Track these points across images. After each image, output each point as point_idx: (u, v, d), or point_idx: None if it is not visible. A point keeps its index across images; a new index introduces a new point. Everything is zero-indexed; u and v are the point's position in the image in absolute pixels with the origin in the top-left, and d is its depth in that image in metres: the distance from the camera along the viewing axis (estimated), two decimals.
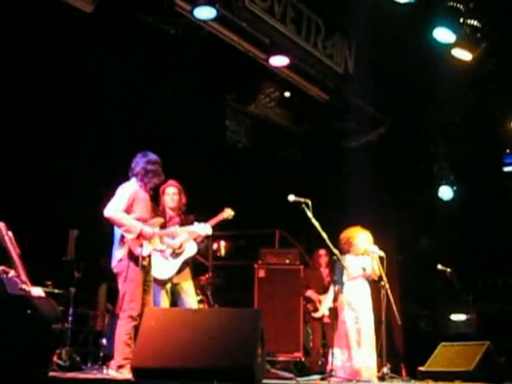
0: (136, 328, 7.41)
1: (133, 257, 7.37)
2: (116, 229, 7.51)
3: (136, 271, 7.37)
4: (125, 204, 7.47)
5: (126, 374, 6.99)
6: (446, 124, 13.33)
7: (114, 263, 7.47)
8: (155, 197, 8.27)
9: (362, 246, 8.71)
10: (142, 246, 7.40)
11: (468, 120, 13.15)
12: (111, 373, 7.22)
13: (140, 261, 7.35)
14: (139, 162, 7.73)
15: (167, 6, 9.85)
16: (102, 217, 7.46)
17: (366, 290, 8.65)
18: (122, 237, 7.43)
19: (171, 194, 8.23)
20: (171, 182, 8.30)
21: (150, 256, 7.60)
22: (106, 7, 9.40)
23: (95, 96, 10.51)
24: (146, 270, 7.55)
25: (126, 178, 7.75)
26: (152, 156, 7.76)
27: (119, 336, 7.30)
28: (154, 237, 7.56)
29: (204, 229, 8.11)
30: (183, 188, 8.33)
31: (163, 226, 8.05)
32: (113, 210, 7.42)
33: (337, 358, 8.41)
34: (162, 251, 7.97)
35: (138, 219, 7.47)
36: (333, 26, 11.57)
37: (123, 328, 7.31)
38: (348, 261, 8.40)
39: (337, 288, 8.27)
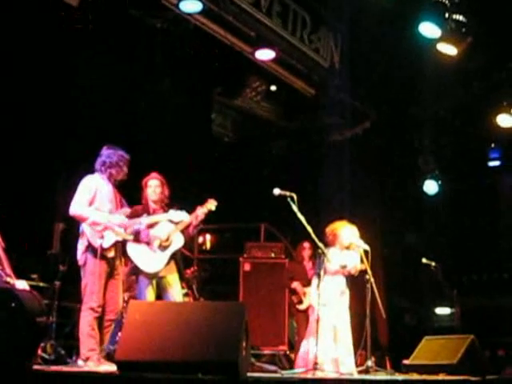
0: (100, 320, 7.47)
1: (92, 249, 7.39)
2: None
3: (95, 263, 7.37)
4: (87, 198, 7.52)
5: (93, 366, 7.05)
6: (432, 118, 13.39)
7: (78, 256, 7.52)
8: (137, 190, 8.26)
9: (347, 239, 8.72)
10: (102, 237, 7.41)
11: (453, 114, 13.20)
12: (80, 364, 7.25)
13: (99, 252, 7.35)
14: (101, 155, 7.78)
15: None
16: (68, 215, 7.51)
17: (342, 285, 8.65)
18: (82, 229, 7.46)
19: (153, 187, 8.20)
20: (153, 174, 8.28)
21: (116, 248, 7.60)
22: (91, 1, 9.38)
23: (80, 90, 10.46)
24: (112, 262, 7.56)
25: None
26: (115, 149, 7.79)
27: (82, 328, 7.34)
28: (122, 225, 7.59)
29: (179, 215, 8.07)
30: (166, 180, 8.31)
31: None
32: (77, 206, 7.49)
33: (302, 347, 8.47)
34: (149, 243, 7.94)
35: (98, 210, 7.51)
36: (319, 20, 11.60)
37: (85, 320, 7.34)
38: (331, 255, 8.40)
39: (317, 281, 8.28)
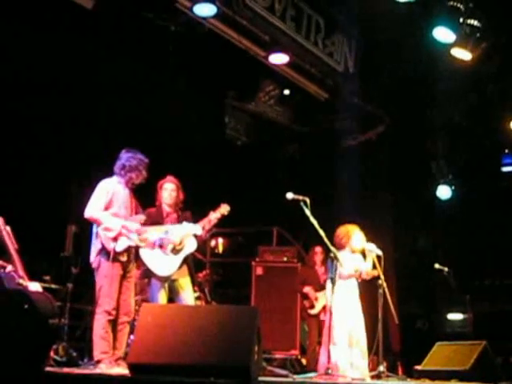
0: (113, 323, 7.49)
1: (105, 252, 7.43)
2: (93, 224, 7.56)
3: (109, 266, 7.42)
4: (103, 202, 7.54)
5: (104, 368, 7.07)
6: (446, 123, 13.34)
7: (91, 259, 7.54)
8: (152, 193, 8.27)
9: (360, 243, 8.70)
10: (116, 240, 7.43)
11: (467, 119, 13.15)
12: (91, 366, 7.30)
13: (112, 255, 7.37)
14: (121, 158, 7.79)
15: (168, 2, 9.86)
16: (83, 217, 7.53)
17: (356, 289, 8.63)
18: (97, 232, 7.50)
19: (169, 190, 8.22)
20: (169, 177, 8.30)
21: (129, 252, 7.62)
22: (106, 3, 9.41)
23: (94, 92, 10.50)
24: (125, 266, 7.58)
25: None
26: (135, 153, 7.81)
27: (96, 331, 7.39)
28: (140, 232, 7.61)
29: (193, 229, 8.10)
30: (181, 184, 8.33)
31: (161, 222, 8.07)
32: (92, 210, 7.52)
33: (322, 355, 8.44)
34: (162, 247, 7.95)
35: (115, 215, 7.52)
36: (333, 25, 11.59)
37: (99, 323, 7.39)
38: (344, 258, 8.39)
39: (331, 286, 8.26)
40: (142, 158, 7.83)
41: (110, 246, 7.41)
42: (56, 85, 10.08)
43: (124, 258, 7.56)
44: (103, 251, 7.45)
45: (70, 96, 10.32)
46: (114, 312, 7.42)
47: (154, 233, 7.90)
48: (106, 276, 7.42)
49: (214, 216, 8.25)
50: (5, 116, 9.58)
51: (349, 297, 8.50)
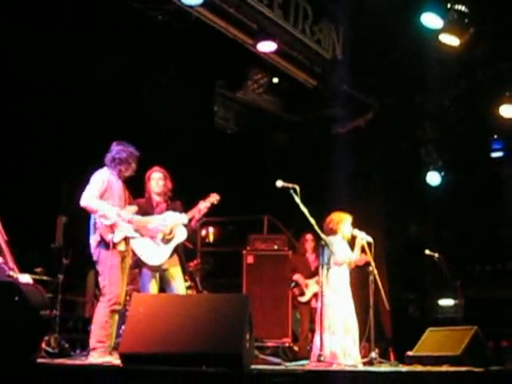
0: (119, 313, 7.52)
1: (105, 243, 7.45)
2: (92, 216, 7.56)
3: (110, 255, 7.45)
4: (99, 191, 7.53)
5: (96, 357, 7.08)
6: (435, 109, 13.35)
7: (91, 250, 7.54)
8: (141, 184, 8.27)
9: (350, 230, 8.73)
10: (113, 232, 7.44)
11: (456, 105, 13.16)
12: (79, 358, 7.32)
13: (111, 246, 7.39)
14: (111, 150, 7.80)
15: None
16: (79, 206, 7.51)
17: (347, 276, 8.66)
18: (95, 223, 7.49)
19: (156, 179, 8.23)
20: (156, 167, 8.31)
21: (126, 241, 7.63)
22: None
23: (82, 82, 10.47)
24: (123, 256, 7.59)
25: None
26: (126, 146, 7.81)
27: (96, 319, 7.41)
28: (131, 222, 7.62)
29: (179, 218, 8.12)
30: (169, 173, 8.33)
31: (150, 212, 8.08)
32: (88, 198, 7.49)
33: (315, 345, 8.45)
34: (152, 237, 7.96)
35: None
36: (320, 12, 11.55)
37: (102, 311, 7.41)
38: (336, 244, 8.40)
39: (326, 272, 8.27)
40: (133, 150, 7.83)
41: (108, 237, 7.43)
42: (43, 78, 10.04)
43: (122, 248, 7.58)
44: (102, 242, 7.45)
45: (56, 88, 10.27)
46: (119, 300, 7.44)
47: (150, 222, 7.93)
48: (107, 266, 7.45)
49: (203, 205, 8.26)
50: (5, 116, 9.56)
51: (342, 283, 8.52)
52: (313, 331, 9.21)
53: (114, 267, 7.47)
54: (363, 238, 8.71)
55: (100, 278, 7.55)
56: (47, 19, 9.46)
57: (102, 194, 7.56)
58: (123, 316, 7.86)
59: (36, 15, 9.39)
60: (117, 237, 7.48)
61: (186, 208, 8.25)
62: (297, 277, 10.70)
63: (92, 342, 7.33)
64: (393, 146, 13.55)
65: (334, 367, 7.77)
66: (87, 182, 7.65)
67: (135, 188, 8.22)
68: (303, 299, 10.69)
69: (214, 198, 8.35)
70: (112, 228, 7.46)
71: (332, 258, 8.30)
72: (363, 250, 8.75)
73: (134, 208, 7.84)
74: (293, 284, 10.85)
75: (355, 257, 8.71)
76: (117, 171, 7.75)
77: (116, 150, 7.80)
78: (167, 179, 8.27)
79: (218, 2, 10.06)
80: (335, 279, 8.42)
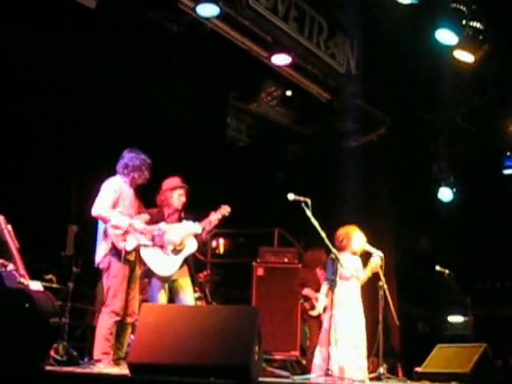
0: (121, 324, 7.51)
1: (116, 252, 7.42)
2: (100, 223, 7.57)
3: (120, 266, 7.43)
4: (111, 200, 7.52)
5: (102, 368, 7.05)
6: (447, 125, 13.34)
7: (98, 258, 7.53)
8: (151, 192, 8.28)
9: (360, 245, 8.70)
10: (125, 240, 7.42)
11: (469, 121, 13.15)
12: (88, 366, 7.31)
13: (123, 255, 7.38)
14: (124, 157, 7.80)
15: (170, 2, 9.86)
16: (89, 215, 7.52)
17: (357, 290, 8.63)
18: (105, 231, 7.47)
19: (182, 196, 8.22)
20: (181, 182, 8.27)
21: (136, 251, 7.63)
22: (109, 3, 9.41)
23: (97, 92, 10.50)
24: (133, 265, 7.60)
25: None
26: (138, 153, 7.82)
27: (100, 331, 7.39)
28: (143, 232, 7.60)
29: (193, 228, 8.12)
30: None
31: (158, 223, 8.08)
32: (100, 208, 7.49)
33: (317, 357, 8.42)
34: (162, 247, 7.96)
35: (121, 214, 7.53)
36: (335, 26, 11.57)
37: (105, 323, 7.39)
38: (345, 258, 8.39)
39: (328, 286, 8.25)
40: (145, 158, 7.84)
41: (120, 245, 7.41)
42: (57, 85, 10.08)
43: (133, 258, 7.57)
44: (113, 251, 7.43)
45: (70, 96, 10.31)
46: (121, 312, 7.43)
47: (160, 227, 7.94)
48: (115, 276, 7.42)
49: (214, 217, 8.26)
50: (5, 113, 9.57)
51: (351, 297, 8.49)
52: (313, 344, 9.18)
53: (120, 279, 7.45)
54: (373, 252, 8.70)
55: (105, 288, 7.53)
56: (47, 19, 9.48)
57: (114, 202, 7.56)
58: (132, 326, 7.87)
59: (36, 15, 9.41)
60: (129, 245, 7.47)
61: (197, 219, 8.25)
62: (307, 291, 10.66)
63: (97, 354, 7.31)
64: (405, 161, 13.53)
65: (342, 382, 7.74)
66: (97, 190, 7.66)
67: (145, 196, 8.23)
68: (314, 313, 10.64)
69: (225, 209, 8.35)
70: (124, 236, 7.45)
71: (341, 271, 8.27)
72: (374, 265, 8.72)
73: (146, 217, 7.83)
74: (302, 299, 10.81)
75: (364, 276, 8.68)
76: (130, 178, 7.74)
77: (128, 156, 7.80)
78: (187, 194, 8.27)
79: (233, 14, 10.08)
80: (344, 293, 8.40)
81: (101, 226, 7.58)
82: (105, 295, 7.49)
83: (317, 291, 10.47)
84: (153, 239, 7.85)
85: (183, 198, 8.24)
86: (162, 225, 7.96)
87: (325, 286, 8.39)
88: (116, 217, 7.45)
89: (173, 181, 8.32)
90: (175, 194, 8.23)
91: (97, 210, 7.48)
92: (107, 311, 7.39)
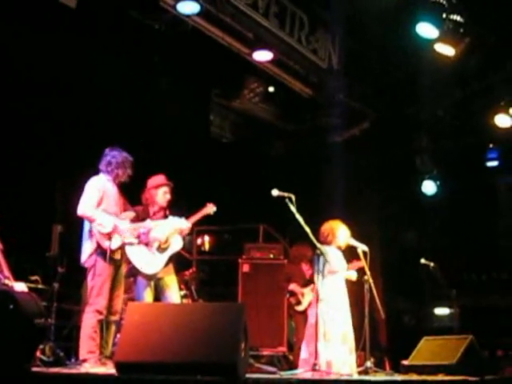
0: (106, 322, 7.51)
1: (101, 251, 7.41)
2: (85, 222, 7.56)
3: (104, 265, 7.42)
4: (95, 199, 7.53)
5: (89, 367, 7.05)
6: (430, 119, 13.39)
7: (84, 258, 7.52)
8: (135, 190, 8.27)
9: (344, 239, 8.72)
10: (110, 239, 7.42)
11: (452, 115, 13.20)
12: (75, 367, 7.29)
13: (108, 254, 7.37)
14: (106, 155, 7.80)
15: (152, 0, 9.84)
16: (76, 215, 7.50)
17: (343, 284, 8.65)
18: (90, 230, 7.47)
19: (167, 194, 8.23)
20: (165, 179, 8.29)
21: (122, 250, 7.62)
22: (89, 2, 9.38)
23: (78, 90, 10.46)
24: (118, 264, 7.60)
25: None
26: (119, 151, 7.84)
27: (84, 330, 7.38)
28: (128, 231, 7.61)
29: (179, 223, 8.13)
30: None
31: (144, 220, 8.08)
32: (84, 207, 7.49)
33: (303, 352, 8.44)
34: (148, 245, 7.96)
35: (105, 212, 7.52)
36: (317, 21, 11.60)
37: (89, 322, 7.38)
38: (330, 253, 8.39)
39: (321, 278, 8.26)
40: (127, 155, 7.85)
41: (105, 244, 7.40)
42: (39, 84, 10.03)
43: (118, 256, 7.57)
44: (99, 250, 7.42)
45: (52, 95, 10.25)
46: (104, 311, 7.43)
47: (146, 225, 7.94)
48: (99, 275, 7.41)
49: (199, 215, 8.30)
50: (5, 116, 9.56)
51: (338, 292, 8.51)
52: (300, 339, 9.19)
53: (105, 277, 7.44)
54: (358, 246, 8.72)
55: (89, 286, 7.50)
56: (47, 19, 9.46)
57: (98, 201, 7.56)
58: (119, 325, 7.85)
59: (36, 15, 9.39)
60: (114, 244, 7.47)
61: (182, 216, 8.25)
62: (292, 286, 10.66)
63: (82, 353, 7.30)
64: (388, 154, 13.57)
65: (330, 376, 7.75)
66: (81, 189, 7.65)
67: (129, 194, 8.22)
68: (300, 308, 10.65)
69: (210, 208, 8.37)
70: (109, 235, 7.44)
71: (327, 266, 8.28)
72: (358, 258, 8.76)
73: (132, 214, 7.83)
74: (288, 294, 10.82)
75: (349, 274, 8.70)
76: (113, 175, 7.74)
77: (111, 154, 7.80)
78: (172, 192, 8.28)
79: (214, 11, 10.07)
80: (330, 288, 8.41)
81: (86, 226, 7.57)
82: (89, 294, 7.48)
83: (303, 286, 10.50)
84: (138, 237, 7.85)
85: (168, 196, 8.25)
86: (148, 222, 7.97)
87: (319, 278, 8.35)
88: (101, 216, 7.45)
89: (157, 179, 8.32)
90: (160, 191, 8.24)
91: (81, 209, 7.49)
92: (91, 310, 7.39)
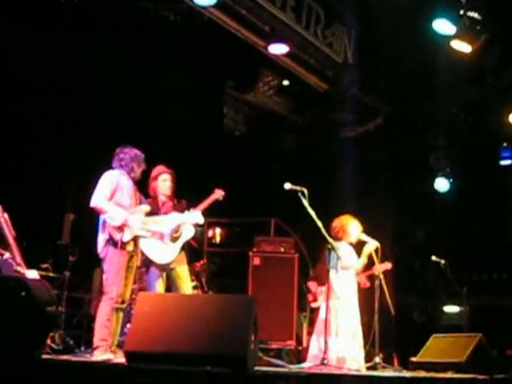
0: (124, 311, 7.55)
1: (113, 242, 7.46)
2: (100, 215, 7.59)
3: (116, 255, 7.45)
4: (109, 192, 7.56)
5: (99, 355, 7.08)
6: (445, 116, 13.34)
7: (99, 248, 7.55)
8: (143, 183, 8.29)
9: (356, 234, 8.71)
10: (122, 231, 7.46)
11: (466, 112, 13.15)
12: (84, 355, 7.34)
13: (119, 246, 7.41)
14: (118, 153, 7.85)
15: None
16: (86, 204, 7.54)
17: (354, 280, 8.65)
18: (104, 222, 7.50)
19: (166, 181, 8.26)
20: (162, 167, 8.34)
21: (134, 241, 7.65)
22: None
23: (93, 82, 10.47)
24: (130, 255, 7.61)
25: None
26: (130, 148, 7.89)
27: (99, 318, 7.42)
28: (140, 225, 7.64)
29: (194, 217, 8.15)
30: (175, 173, 8.37)
31: (156, 212, 8.10)
32: (98, 199, 7.52)
33: (313, 346, 8.43)
34: (161, 235, 8.00)
35: (119, 205, 7.54)
36: (333, 16, 11.56)
37: (104, 310, 7.42)
38: (342, 248, 8.39)
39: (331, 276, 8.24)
40: (138, 152, 7.89)
41: (117, 236, 7.44)
42: (52, 78, 10.04)
43: (130, 248, 7.60)
44: (111, 241, 7.47)
45: (70, 89, 10.28)
46: (119, 299, 7.47)
47: (155, 224, 7.96)
48: (112, 264, 7.45)
49: (207, 202, 8.33)
50: (3, 103, 9.56)
51: (349, 287, 8.51)
52: (311, 333, 9.17)
53: (119, 267, 7.47)
54: (370, 242, 8.70)
55: (104, 276, 7.56)
56: (47, 19, 9.47)
57: (112, 194, 7.58)
58: (129, 314, 7.88)
59: (36, 15, 9.40)
60: (126, 236, 7.50)
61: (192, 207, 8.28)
62: (310, 284, 10.65)
63: (95, 341, 7.35)
64: (401, 151, 13.54)
65: (339, 371, 7.74)
66: (96, 181, 7.67)
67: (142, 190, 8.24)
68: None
69: (219, 193, 8.39)
70: (121, 228, 7.47)
71: (339, 262, 8.27)
72: (370, 256, 8.74)
73: (147, 207, 7.85)
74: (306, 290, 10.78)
75: (361, 263, 8.69)
76: (128, 169, 7.77)
77: (123, 151, 7.85)
78: (175, 180, 8.30)
79: (230, 3, 10.07)
80: (342, 283, 8.41)
81: (101, 217, 7.60)
82: (104, 283, 7.52)
83: (321, 285, 10.48)
84: (149, 230, 7.89)
85: (168, 183, 8.28)
86: (163, 217, 8.04)
87: (333, 274, 8.31)
88: (112, 209, 7.47)
89: (155, 169, 8.39)
90: (159, 180, 8.30)
91: (94, 201, 7.53)
92: (106, 299, 7.43)
